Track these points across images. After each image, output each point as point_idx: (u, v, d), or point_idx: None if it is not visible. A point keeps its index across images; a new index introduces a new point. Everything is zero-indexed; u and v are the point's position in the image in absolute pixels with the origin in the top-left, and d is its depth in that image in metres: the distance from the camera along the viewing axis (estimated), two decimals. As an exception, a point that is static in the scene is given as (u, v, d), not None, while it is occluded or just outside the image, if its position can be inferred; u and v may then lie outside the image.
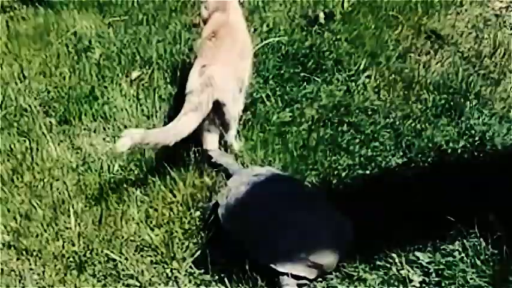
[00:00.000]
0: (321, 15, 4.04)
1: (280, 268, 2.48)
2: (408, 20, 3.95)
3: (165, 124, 3.26)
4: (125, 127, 3.36)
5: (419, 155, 3.03)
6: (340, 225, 2.60)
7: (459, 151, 3.03)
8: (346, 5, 4.07)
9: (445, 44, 3.81)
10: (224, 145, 3.13)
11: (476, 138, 3.08)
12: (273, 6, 4.25)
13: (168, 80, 3.66)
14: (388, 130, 3.19)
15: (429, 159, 3.01)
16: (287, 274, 2.48)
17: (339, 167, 3.01)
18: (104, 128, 3.40)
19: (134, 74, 3.73)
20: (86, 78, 3.71)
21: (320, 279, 2.52)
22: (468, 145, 3.06)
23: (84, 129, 3.40)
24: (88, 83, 3.66)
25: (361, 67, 3.60)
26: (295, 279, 2.48)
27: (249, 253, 2.54)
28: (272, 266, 2.49)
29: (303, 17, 4.13)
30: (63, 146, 3.31)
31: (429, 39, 3.85)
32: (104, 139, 3.35)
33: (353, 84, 3.52)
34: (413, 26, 3.91)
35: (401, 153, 3.06)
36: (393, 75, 3.55)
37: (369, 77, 3.56)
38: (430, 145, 3.06)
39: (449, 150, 3.04)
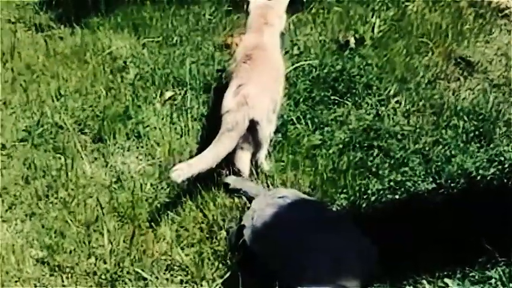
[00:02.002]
0: (352, 40, 4.08)
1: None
2: (438, 47, 3.98)
3: (198, 143, 3.33)
4: (158, 145, 3.42)
5: (449, 181, 3.05)
6: (364, 247, 2.63)
7: (489, 178, 3.05)
8: (376, 30, 4.11)
9: (475, 71, 3.83)
10: (255, 165, 3.18)
11: (506, 165, 3.09)
12: (304, 30, 4.30)
13: (200, 100, 3.72)
14: (417, 155, 3.21)
15: (459, 186, 3.03)
16: None
17: (369, 191, 3.04)
18: (137, 147, 3.46)
19: (167, 94, 3.80)
20: (120, 98, 3.77)
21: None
22: (498, 172, 3.07)
23: (118, 147, 3.45)
24: (122, 103, 3.73)
25: (391, 92, 3.63)
26: None
27: (277, 275, 2.57)
28: None
29: (334, 41, 4.17)
30: (97, 164, 3.37)
31: (459, 66, 3.88)
32: (137, 157, 3.40)
33: (383, 108, 3.55)
34: (443, 52, 3.94)
35: (431, 179, 3.08)
36: (423, 101, 3.58)
37: (398, 102, 3.59)
38: (460, 171, 3.08)
39: (478, 177, 3.05)
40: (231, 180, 3.08)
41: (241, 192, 3.04)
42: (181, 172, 2.86)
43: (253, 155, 3.17)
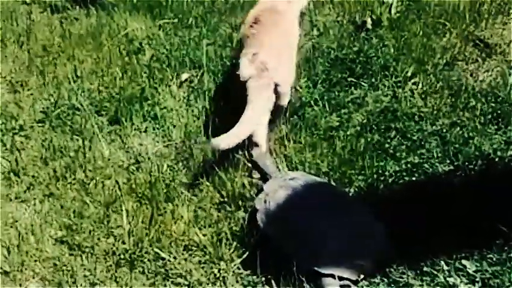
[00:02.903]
0: (369, 21, 4.05)
1: (324, 270, 2.54)
2: (456, 28, 3.94)
3: (214, 124, 3.34)
4: (174, 127, 3.44)
5: (467, 163, 3.04)
6: (376, 227, 2.67)
7: (506, 160, 3.04)
8: (393, 11, 4.07)
9: (493, 52, 3.79)
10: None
11: (524, 147, 3.09)
12: (323, 11, 4.28)
13: (217, 82, 3.72)
14: (435, 137, 3.20)
15: (476, 168, 3.02)
16: (331, 276, 2.53)
17: (386, 173, 3.03)
18: (154, 129, 3.47)
19: (184, 76, 3.80)
20: (136, 80, 3.78)
21: (367, 283, 2.55)
22: (515, 154, 3.06)
23: (135, 129, 3.47)
24: (139, 84, 3.73)
25: (409, 73, 3.60)
26: (337, 280, 2.54)
27: (290, 257, 2.60)
28: (316, 268, 2.55)
29: (351, 22, 4.15)
30: (115, 145, 3.39)
31: (477, 48, 3.84)
32: (153, 139, 3.42)
33: (400, 90, 3.53)
34: (461, 33, 3.90)
35: (448, 161, 3.07)
36: (440, 83, 3.55)
37: (416, 83, 3.57)
38: (477, 153, 3.07)
39: (496, 159, 3.04)
40: (256, 153, 3.10)
41: (260, 168, 3.04)
42: (223, 140, 2.91)
43: (271, 122, 3.21)
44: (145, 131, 3.47)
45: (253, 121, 3.03)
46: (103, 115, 3.59)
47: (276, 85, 3.11)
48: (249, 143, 3.12)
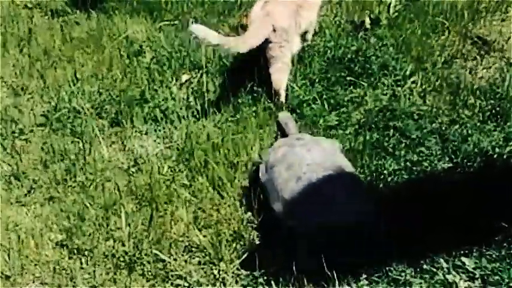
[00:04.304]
0: (367, 20, 4.06)
1: (291, 223, 2.68)
2: (454, 26, 3.96)
3: (215, 126, 3.40)
4: (175, 128, 3.45)
5: (466, 160, 3.05)
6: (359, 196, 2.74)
7: (505, 156, 3.04)
8: (392, 10, 4.08)
9: (491, 50, 3.80)
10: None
11: (523, 144, 3.09)
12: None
13: (216, 83, 3.73)
14: (434, 135, 3.20)
15: (475, 165, 3.02)
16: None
17: (385, 171, 3.04)
18: (155, 130, 3.48)
19: (184, 78, 3.81)
20: (137, 82, 3.79)
21: (366, 282, 2.55)
22: (515, 150, 3.07)
23: (135, 131, 3.48)
24: (139, 86, 3.74)
25: (407, 72, 3.61)
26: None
27: (271, 204, 2.78)
28: (287, 220, 2.70)
29: (349, 22, 4.16)
30: (115, 148, 3.40)
31: (475, 45, 3.85)
32: (154, 141, 3.43)
33: (399, 89, 3.54)
34: (459, 31, 3.91)
35: (447, 158, 3.08)
36: (439, 81, 3.56)
37: (415, 82, 3.58)
38: (477, 150, 3.08)
39: (495, 156, 3.04)
40: (282, 114, 3.25)
41: (283, 127, 3.16)
42: (203, 31, 3.32)
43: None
44: (146, 133, 3.48)
45: (240, 43, 3.44)
46: (103, 117, 3.60)
47: (274, 28, 3.50)
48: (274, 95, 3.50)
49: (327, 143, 2.95)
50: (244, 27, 4.13)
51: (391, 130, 3.27)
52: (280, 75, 3.56)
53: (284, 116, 3.21)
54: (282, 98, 3.54)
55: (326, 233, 2.59)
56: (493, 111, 3.31)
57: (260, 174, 2.92)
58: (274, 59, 3.54)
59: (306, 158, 2.79)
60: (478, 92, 3.45)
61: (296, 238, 2.68)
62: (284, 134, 3.14)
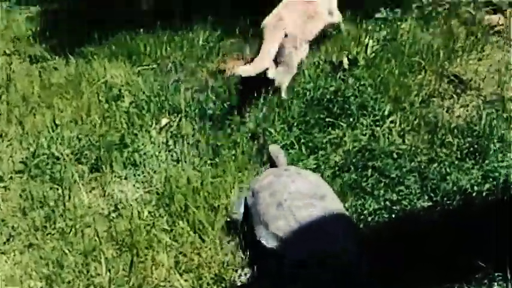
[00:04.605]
0: (345, 61, 4.10)
1: (265, 242, 2.77)
2: (431, 65, 4.00)
3: (194, 169, 3.40)
4: (154, 172, 3.44)
5: (445, 199, 3.06)
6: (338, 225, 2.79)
7: (484, 194, 3.06)
8: (369, 50, 4.13)
9: (468, 88, 3.84)
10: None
11: (501, 181, 3.10)
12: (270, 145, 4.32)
13: (195, 127, 3.74)
14: (413, 174, 3.22)
15: (455, 203, 3.04)
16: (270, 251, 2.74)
17: (365, 211, 3.04)
18: (134, 175, 3.47)
19: (163, 121, 3.82)
20: (116, 126, 3.80)
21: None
22: (493, 188, 3.07)
23: (115, 176, 3.47)
24: (118, 131, 3.74)
25: (386, 112, 3.64)
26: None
27: (253, 226, 2.88)
28: (261, 239, 2.79)
29: (328, 62, 4.20)
30: (95, 193, 3.39)
31: (452, 84, 3.89)
32: (134, 185, 3.42)
33: (378, 128, 3.56)
34: (436, 70, 3.96)
35: (426, 197, 3.09)
36: (417, 120, 3.59)
37: (393, 121, 3.60)
38: (455, 188, 3.09)
39: (474, 194, 3.06)
40: (273, 147, 3.33)
41: (273, 159, 3.25)
42: (247, 69, 3.76)
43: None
44: (125, 178, 3.47)
45: (267, 55, 3.81)
46: (83, 163, 3.58)
47: (286, 34, 3.88)
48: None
49: (313, 176, 3.04)
50: (223, 72, 4.18)
51: (370, 170, 3.28)
52: (284, 78, 3.91)
53: (275, 149, 3.30)
54: (284, 95, 3.88)
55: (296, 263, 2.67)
56: (471, 149, 3.33)
57: (247, 198, 3.03)
58: (282, 62, 3.90)
59: (290, 186, 2.89)
60: (455, 130, 3.48)
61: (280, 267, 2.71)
62: (273, 166, 3.22)
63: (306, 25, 4.07)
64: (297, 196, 2.85)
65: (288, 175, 2.99)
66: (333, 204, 2.88)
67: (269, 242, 2.76)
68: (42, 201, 3.31)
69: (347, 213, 2.95)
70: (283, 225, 2.76)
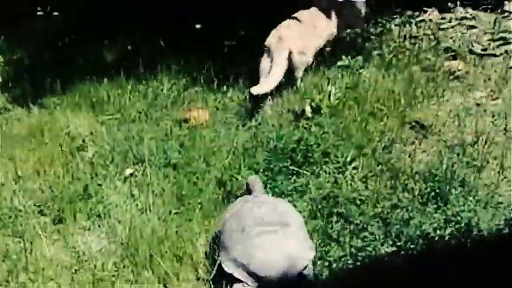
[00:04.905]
0: (308, 109, 4.14)
1: (226, 268, 2.88)
2: (393, 112, 4.06)
3: (159, 219, 3.39)
4: (119, 223, 3.41)
5: (409, 243, 3.07)
6: (298, 252, 2.87)
7: (447, 238, 3.08)
8: (332, 98, 4.17)
9: (429, 133, 3.90)
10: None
11: (463, 225, 3.12)
12: (261, 101, 4.36)
13: (160, 176, 3.73)
14: (377, 220, 3.23)
15: (418, 247, 3.05)
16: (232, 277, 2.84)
17: (330, 258, 3.04)
18: (98, 226, 3.44)
19: (127, 171, 3.80)
20: (79, 177, 3.77)
21: None
22: (455, 232, 3.10)
23: (79, 227, 3.43)
24: (82, 182, 3.72)
25: (348, 159, 3.66)
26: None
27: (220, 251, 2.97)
28: (222, 264, 2.89)
29: (291, 111, 4.24)
30: (58, 246, 3.34)
31: (413, 129, 3.95)
32: (98, 236, 3.38)
33: (341, 175, 3.58)
34: (397, 116, 4.01)
35: (390, 242, 3.09)
36: (380, 166, 3.62)
37: (356, 168, 3.63)
38: (419, 233, 3.10)
39: (437, 238, 3.08)
40: (251, 177, 3.42)
41: (251, 188, 3.31)
42: (259, 88, 4.17)
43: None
44: (89, 229, 3.43)
45: (279, 74, 4.28)
46: (46, 215, 3.54)
47: (290, 52, 4.32)
48: None
49: (283, 204, 3.15)
50: (187, 121, 4.20)
51: (335, 217, 3.29)
52: (274, 82, 4.31)
53: (252, 179, 3.39)
54: (265, 87, 4.25)
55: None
56: (433, 193, 3.36)
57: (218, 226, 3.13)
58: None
59: (255, 212, 2.99)
60: (417, 175, 3.52)
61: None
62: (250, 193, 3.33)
63: (306, 41, 4.48)
64: (260, 222, 2.92)
65: (256, 202, 3.10)
66: (296, 232, 2.96)
67: (228, 267, 2.87)
68: (4, 255, 3.26)
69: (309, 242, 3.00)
70: (242, 250, 2.86)
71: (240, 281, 2.83)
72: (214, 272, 2.95)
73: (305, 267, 2.85)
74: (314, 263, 2.98)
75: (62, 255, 3.27)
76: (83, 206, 3.54)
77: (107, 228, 3.41)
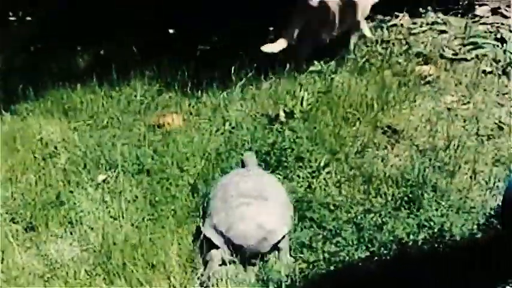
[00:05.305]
0: (281, 113, 4.15)
1: (205, 232, 3.12)
2: (365, 116, 4.08)
3: (132, 225, 3.38)
4: (91, 230, 3.39)
5: (382, 248, 3.09)
6: (273, 226, 3.09)
7: (420, 243, 3.10)
8: (305, 103, 4.19)
9: (401, 138, 3.92)
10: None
11: (436, 230, 3.14)
12: (234, 105, 4.37)
13: (133, 182, 3.71)
14: (350, 225, 3.24)
15: (391, 253, 3.07)
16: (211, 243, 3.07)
17: (303, 265, 3.05)
18: (71, 233, 3.41)
19: (100, 178, 3.78)
20: (52, 184, 3.74)
21: None
22: (428, 237, 3.12)
23: (51, 235, 3.40)
24: (54, 189, 3.69)
25: (322, 163, 3.67)
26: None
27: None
28: (203, 229, 3.15)
29: (265, 115, 4.24)
30: (30, 253, 3.31)
31: (386, 134, 3.97)
32: (70, 244, 3.36)
33: (314, 180, 3.59)
34: (370, 121, 4.03)
35: (363, 248, 3.10)
36: (353, 171, 3.64)
37: (329, 173, 3.64)
38: (392, 238, 3.12)
39: (410, 243, 3.10)
40: (246, 153, 3.67)
41: (245, 163, 3.57)
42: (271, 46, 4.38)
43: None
44: (61, 237, 3.40)
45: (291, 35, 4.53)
46: (18, 223, 3.51)
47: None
48: None
49: (270, 180, 3.41)
50: (161, 127, 4.19)
51: (308, 222, 3.30)
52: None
53: (248, 155, 3.63)
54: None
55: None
56: (406, 198, 3.38)
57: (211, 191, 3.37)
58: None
59: (240, 185, 3.24)
60: (390, 180, 3.53)
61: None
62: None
63: None
64: (242, 194, 3.17)
65: (245, 176, 3.37)
66: (274, 207, 3.19)
67: (207, 231, 3.11)
68: (-25, 264, 3.24)
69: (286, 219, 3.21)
70: (222, 219, 3.10)
71: (217, 247, 3.04)
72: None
73: (279, 241, 3.06)
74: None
75: (34, 263, 3.24)
76: (55, 213, 3.51)
77: (79, 236, 3.39)
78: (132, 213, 3.48)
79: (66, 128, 4.32)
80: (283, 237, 3.10)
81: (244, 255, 3.04)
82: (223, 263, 3.03)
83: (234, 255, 3.03)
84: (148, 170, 3.77)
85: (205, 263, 3.06)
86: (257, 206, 3.14)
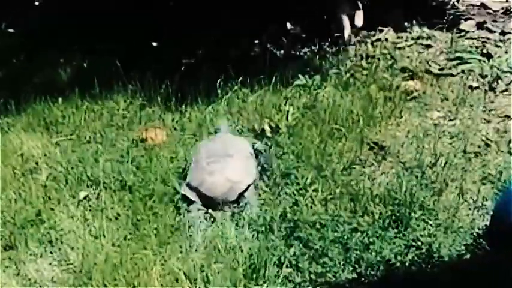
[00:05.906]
0: (267, 128, 4.10)
1: (183, 191, 3.55)
2: (351, 132, 4.03)
3: (114, 245, 3.28)
4: (72, 249, 3.32)
5: (369, 269, 3.04)
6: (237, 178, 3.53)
7: (407, 264, 3.05)
8: (290, 118, 4.14)
9: (388, 154, 3.88)
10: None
11: (423, 250, 3.10)
12: (220, 119, 4.31)
13: (115, 199, 3.64)
14: (336, 245, 3.17)
15: (378, 273, 3.02)
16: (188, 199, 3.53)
17: (289, 285, 2.99)
18: (51, 252, 3.34)
19: (81, 194, 3.70)
20: (32, 201, 3.66)
21: None
22: (416, 257, 3.08)
23: (31, 254, 3.33)
24: (34, 206, 3.61)
25: (308, 180, 3.62)
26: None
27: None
28: (181, 189, 3.59)
29: (250, 130, 4.19)
30: (9, 273, 3.23)
31: (372, 151, 3.93)
32: (50, 264, 3.28)
33: (301, 198, 3.53)
34: (356, 137, 3.99)
35: (350, 268, 3.05)
36: (339, 188, 3.58)
37: (316, 190, 3.58)
38: (379, 258, 3.07)
39: (397, 264, 3.05)
40: (220, 121, 4.19)
41: (217, 131, 4.10)
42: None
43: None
44: (41, 256, 3.32)
45: None
46: (-4, 241, 3.44)
47: None
48: None
49: (234, 141, 3.84)
50: (144, 141, 4.12)
51: (295, 241, 3.24)
52: None
53: (220, 122, 4.17)
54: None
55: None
56: (393, 217, 3.33)
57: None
58: None
59: (209, 147, 3.74)
60: (377, 198, 3.48)
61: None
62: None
63: None
64: (210, 155, 3.64)
65: (214, 140, 3.91)
66: (238, 162, 3.62)
67: (184, 190, 3.54)
68: (-48, 285, 3.15)
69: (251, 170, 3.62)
70: (195, 177, 3.57)
71: (194, 202, 3.49)
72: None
73: (245, 190, 3.49)
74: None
75: (13, 283, 3.16)
76: (35, 231, 3.44)
77: (59, 255, 3.31)
78: (113, 232, 3.40)
79: (48, 143, 4.23)
80: (248, 186, 3.51)
81: (217, 206, 3.44)
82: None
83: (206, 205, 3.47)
84: (131, 187, 3.70)
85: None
86: (223, 162, 3.58)
